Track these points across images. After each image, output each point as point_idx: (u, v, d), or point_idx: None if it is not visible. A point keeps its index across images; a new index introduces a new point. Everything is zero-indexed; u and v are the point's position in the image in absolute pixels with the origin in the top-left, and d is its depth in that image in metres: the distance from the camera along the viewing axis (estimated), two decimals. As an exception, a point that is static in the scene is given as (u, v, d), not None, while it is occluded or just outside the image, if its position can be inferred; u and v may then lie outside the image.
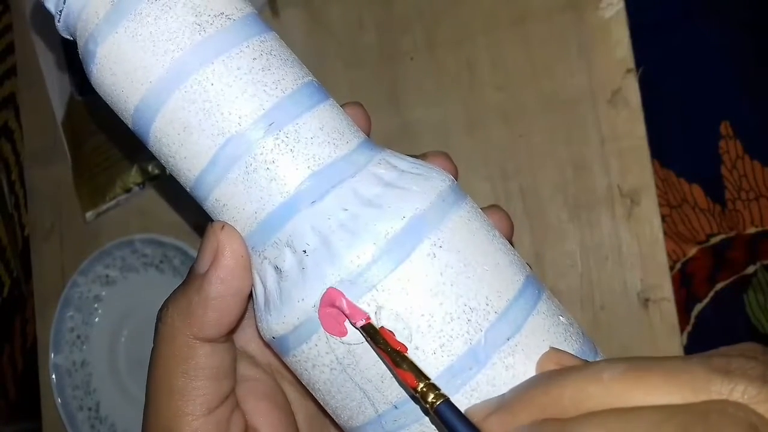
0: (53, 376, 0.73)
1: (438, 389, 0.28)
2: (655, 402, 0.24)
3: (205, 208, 0.33)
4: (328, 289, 0.30)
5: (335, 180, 0.31)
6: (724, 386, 0.24)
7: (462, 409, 0.29)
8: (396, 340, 0.29)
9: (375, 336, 0.29)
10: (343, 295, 0.29)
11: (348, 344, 0.30)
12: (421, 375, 0.28)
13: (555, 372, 0.27)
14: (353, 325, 0.29)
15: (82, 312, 0.74)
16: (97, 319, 0.74)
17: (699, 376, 0.24)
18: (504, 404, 0.28)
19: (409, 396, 0.30)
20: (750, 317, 0.82)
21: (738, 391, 0.24)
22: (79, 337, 0.74)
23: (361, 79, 0.69)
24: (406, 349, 0.29)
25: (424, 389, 0.28)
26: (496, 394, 0.29)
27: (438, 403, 0.27)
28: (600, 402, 0.25)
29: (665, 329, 0.61)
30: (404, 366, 0.28)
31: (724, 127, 0.85)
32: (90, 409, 0.73)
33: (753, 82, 0.85)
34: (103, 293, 0.74)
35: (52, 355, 0.73)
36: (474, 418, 0.28)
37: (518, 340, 0.30)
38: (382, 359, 0.30)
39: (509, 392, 0.29)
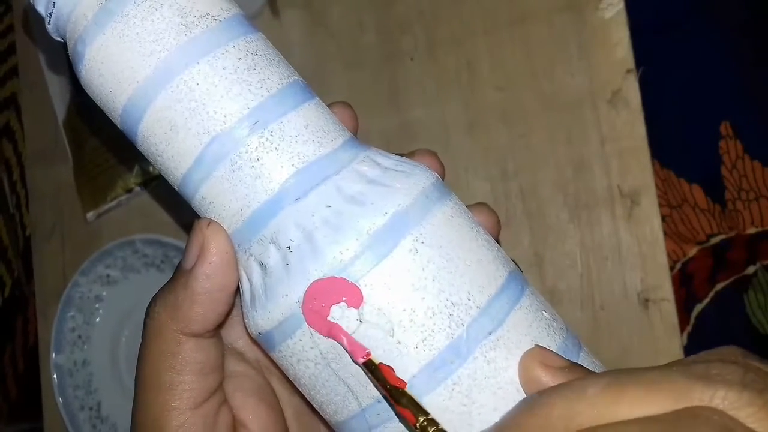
0: (54, 376, 0.73)
1: (437, 424, 0.28)
2: (639, 413, 0.24)
3: (192, 206, 0.34)
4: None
5: (319, 177, 0.31)
6: (705, 393, 0.24)
7: (444, 404, 0.29)
8: (395, 376, 0.29)
9: (375, 371, 0.29)
10: (344, 331, 0.30)
11: (331, 339, 0.30)
12: (420, 410, 0.29)
13: (541, 392, 0.27)
14: (354, 361, 0.30)
15: (83, 312, 0.74)
16: (98, 319, 0.75)
17: (679, 384, 0.24)
18: None
19: None
20: (750, 317, 0.82)
21: (719, 397, 0.24)
22: (80, 337, 0.74)
23: (360, 80, 0.69)
24: (405, 384, 0.29)
25: (425, 424, 0.28)
26: (477, 388, 0.30)
27: None
28: (587, 418, 0.25)
29: (665, 329, 0.61)
30: (403, 401, 0.29)
31: (725, 128, 0.85)
32: (91, 408, 0.74)
33: (753, 83, 0.85)
34: (104, 293, 0.74)
35: (54, 354, 0.73)
36: None
37: (500, 335, 0.30)
38: (382, 395, 0.30)
39: (501, 420, 0.29)
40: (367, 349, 0.30)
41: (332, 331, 0.30)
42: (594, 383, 0.25)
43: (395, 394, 0.29)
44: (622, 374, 0.26)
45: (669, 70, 0.85)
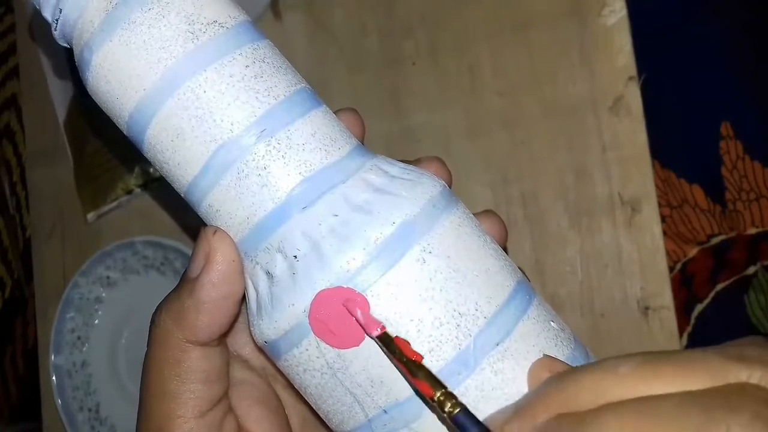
0: (54, 377, 0.73)
1: (455, 398, 0.28)
2: (674, 391, 0.24)
3: (199, 213, 0.34)
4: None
5: (326, 186, 0.31)
6: (742, 372, 0.24)
7: None
8: (411, 349, 0.29)
9: (390, 345, 0.29)
10: (360, 305, 0.30)
11: (338, 349, 0.30)
12: (437, 384, 0.28)
13: (570, 370, 0.27)
14: (368, 334, 0.30)
15: (83, 313, 0.74)
16: (97, 321, 0.74)
17: (715, 364, 0.24)
18: (521, 408, 0.28)
19: (426, 405, 0.30)
20: (750, 318, 0.82)
21: (755, 377, 0.24)
22: (79, 338, 0.74)
23: (362, 84, 0.69)
24: (422, 357, 0.29)
25: (441, 398, 0.28)
26: (485, 399, 0.30)
27: (456, 411, 0.28)
28: (617, 395, 0.25)
29: (665, 337, 0.61)
30: (420, 375, 0.28)
31: (725, 128, 0.85)
32: (90, 410, 0.73)
33: (753, 83, 0.85)
34: (104, 294, 0.74)
35: (53, 356, 0.73)
36: (492, 425, 0.28)
37: (508, 345, 0.30)
38: (398, 369, 0.30)
39: (525, 396, 0.29)
40: (381, 322, 0.29)
41: (347, 304, 0.30)
42: (625, 362, 0.25)
43: (412, 368, 0.29)
44: (654, 354, 0.26)
45: (669, 70, 0.85)
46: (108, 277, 0.73)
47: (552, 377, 0.28)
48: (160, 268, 0.72)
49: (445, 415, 0.28)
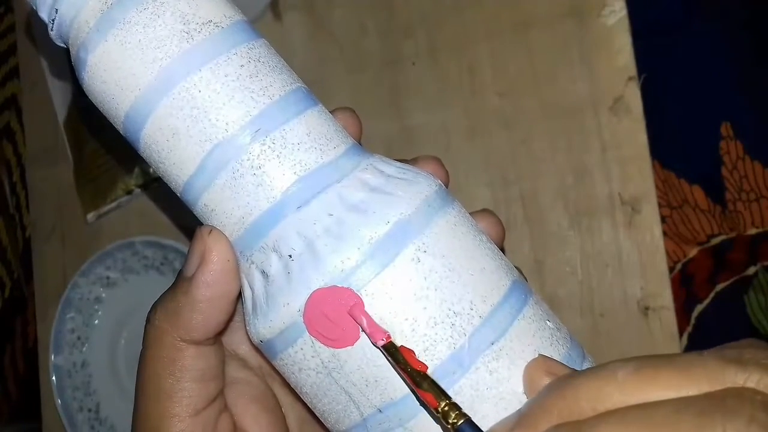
0: (53, 377, 0.73)
1: (459, 408, 0.28)
2: (672, 396, 0.24)
3: (195, 212, 0.34)
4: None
5: (321, 185, 0.31)
6: (739, 375, 0.24)
7: None
8: (416, 359, 0.29)
9: (395, 354, 0.29)
10: (364, 312, 0.30)
11: (333, 348, 0.30)
12: (442, 394, 0.28)
13: (569, 376, 0.27)
14: (374, 344, 0.30)
15: (83, 313, 0.74)
16: (97, 321, 0.75)
17: (713, 367, 0.25)
18: (523, 417, 0.28)
19: (431, 416, 0.30)
20: (750, 318, 0.82)
21: (753, 380, 0.24)
22: (79, 338, 0.74)
23: (362, 84, 0.69)
24: (426, 367, 0.29)
25: (446, 408, 0.28)
26: (480, 399, 0.30)
27: (460, 423, 0.27)
28: (617, 401, 0.25)
29: (665, 337, 0.61)
30: (425, 385, 0.28)
31: (725, 128, 0.84)
32: (90, 410, 0.74)
33: (753, 83, 0.85)
34: (104, 295, 0.74)
35: (53, 356, 0.73)
36: None
37: (503, 345, 0.30)
38: (402, 379, 0.30)
39: (526, 404, 0.29)
40: (386, 331, 0.29)
41: (353, 312, 0.30)
42: (623, 366, 0.26)
43: (416, 378, 0.28)
44: (652, 358, 0.26)
45: (669, 70, 0.85)
46: (108, 278, 0.73)
47: (552, 383, 0.28)
48: (160, 268, 0.72)
49: (449, 426, 0.28)
